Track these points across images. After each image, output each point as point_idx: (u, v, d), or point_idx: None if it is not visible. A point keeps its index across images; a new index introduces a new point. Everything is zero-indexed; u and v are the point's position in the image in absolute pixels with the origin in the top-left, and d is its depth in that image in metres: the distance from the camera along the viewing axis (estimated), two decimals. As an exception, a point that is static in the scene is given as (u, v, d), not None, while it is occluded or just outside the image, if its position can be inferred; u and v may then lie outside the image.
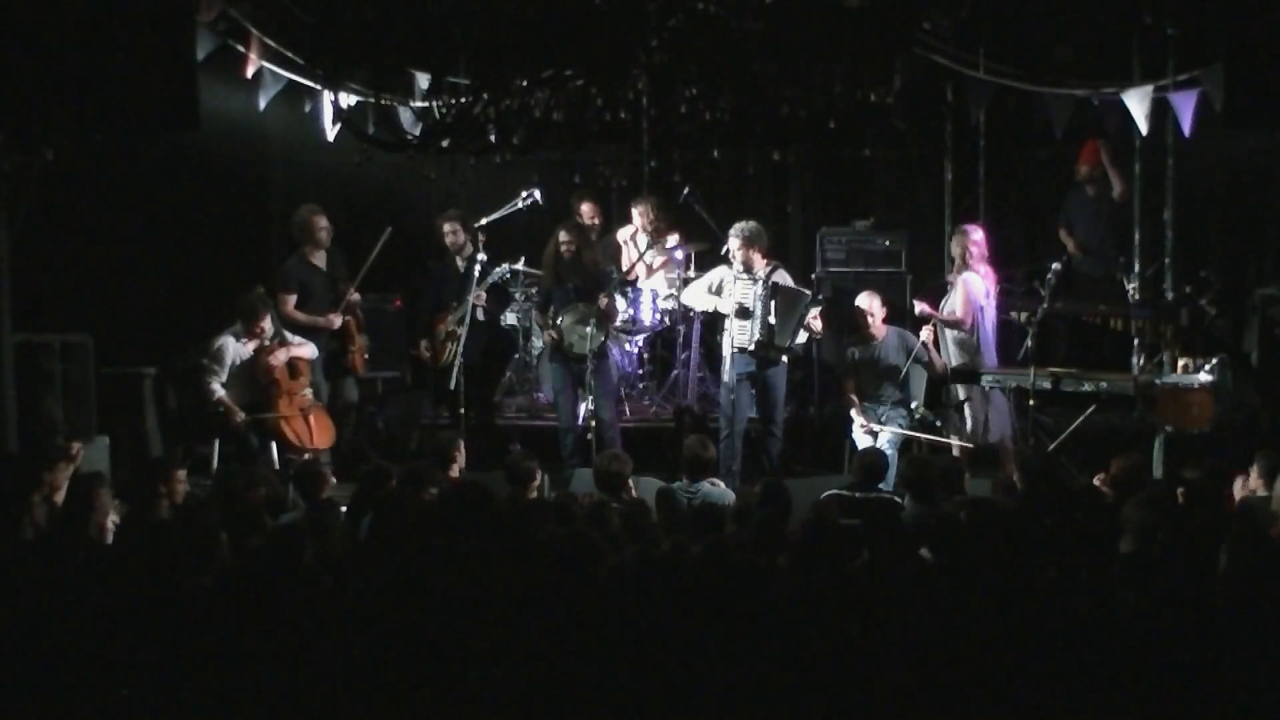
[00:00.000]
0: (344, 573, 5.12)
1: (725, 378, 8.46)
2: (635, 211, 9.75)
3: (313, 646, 4.39)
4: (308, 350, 8.58)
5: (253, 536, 5.76)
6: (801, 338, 8.56)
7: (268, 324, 8.40)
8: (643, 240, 9.78)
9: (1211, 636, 4.27)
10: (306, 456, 8.19)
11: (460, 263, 9.12)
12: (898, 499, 6.71)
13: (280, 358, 8.39)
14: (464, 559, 5.10)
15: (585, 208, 9.81)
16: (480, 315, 8.89)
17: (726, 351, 8.46)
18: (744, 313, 8.36)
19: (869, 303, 8.56)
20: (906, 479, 6.65)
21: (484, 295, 8.90)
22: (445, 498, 6.15)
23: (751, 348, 8.33)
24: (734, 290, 8.45)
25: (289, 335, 8.54)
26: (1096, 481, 6.53)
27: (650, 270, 9.71)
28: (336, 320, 8.85)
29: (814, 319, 8.52)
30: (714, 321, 8.94)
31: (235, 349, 8.39)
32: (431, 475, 6.73)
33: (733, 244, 8.47)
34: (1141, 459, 6.77)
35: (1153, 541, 5.00)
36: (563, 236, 8.74)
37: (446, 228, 9.14)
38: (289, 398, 8.40)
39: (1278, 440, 7.66)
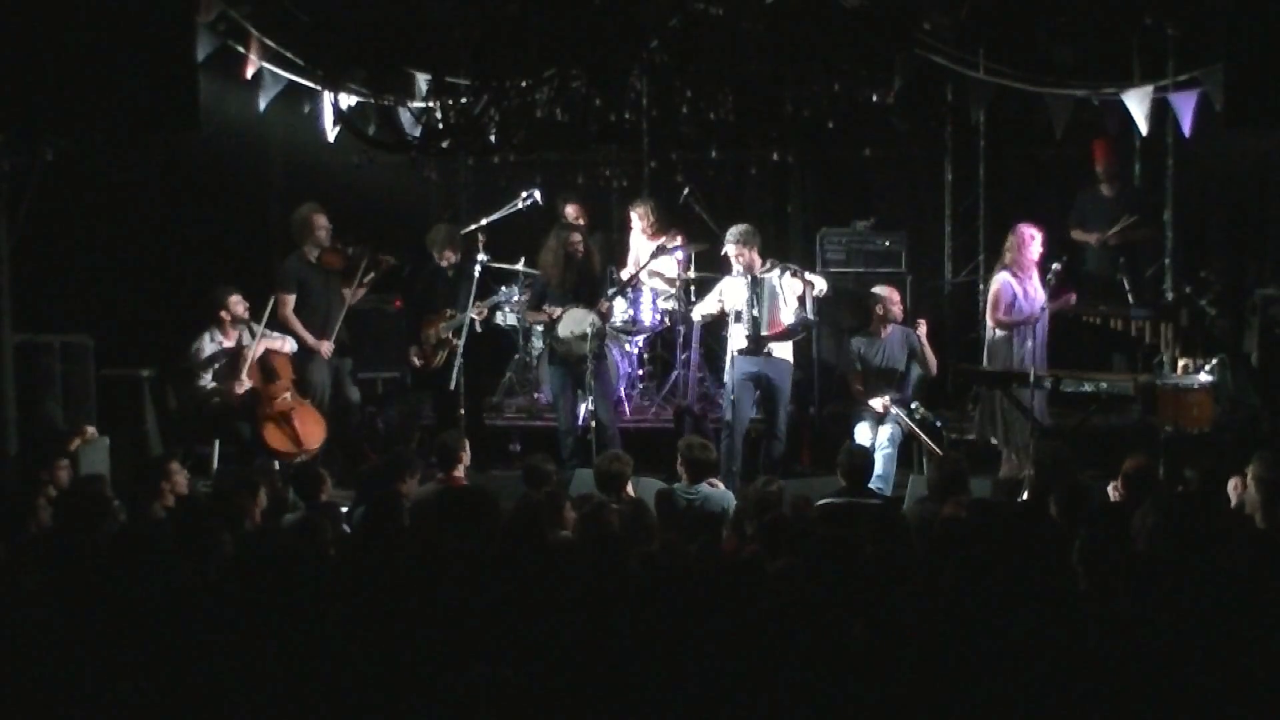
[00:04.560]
0: (340, 569, 5.12)
1: (726, 379, 8.48)
2: (635, 214, 9.74)
3: (311, 645, 4.39)
4: (285, 345, 8.54)
5: (250, 537, 5.76)
6: (790, 313, 8.48)
7: (230, 312, 8.37)
8: (642, 241, 9.77)
9: (1214, 637, 4.27)
10: (300, 459, 8.18)
11: (449, 269, 9.09)
12: (893, 502, 6.71)
13: (258, 352, 8.37)
14: (463, 558, 5.11)
15: (570, 209, 9.80)
16: (478, 328, 8.89)
17: (728, 354, 8.48)
18: (738, 315, 8.40)
19: (887, 293, 8.59)
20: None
21: (485, 310, 8.88)
22: (446, 498, 6.15)
23: (745, 345, 8.34)
24: (731, 296, 8.49)
25: (265, 331, 8.50)
26: (1110, 489, 6.49)
27: (651, 273, 9.68)
28: (327, 349, 8.78)
29: (779, 283, 8.40)
30: (714, 322, 8.94)
31: (212, 347, 8.39)
32: (412, 463, 6.72)
33: (730, 250, 8.47)
34: (1149, 460, 6.75)
35: (1160, 543, 4.99)
36: (574, 237, 8.73)
37: (448, 253, 9.05)
38: (268, 403, 8.36)
39: (1278, 441, 7.67)
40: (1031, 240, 8.62)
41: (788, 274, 8.42)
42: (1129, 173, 9.90)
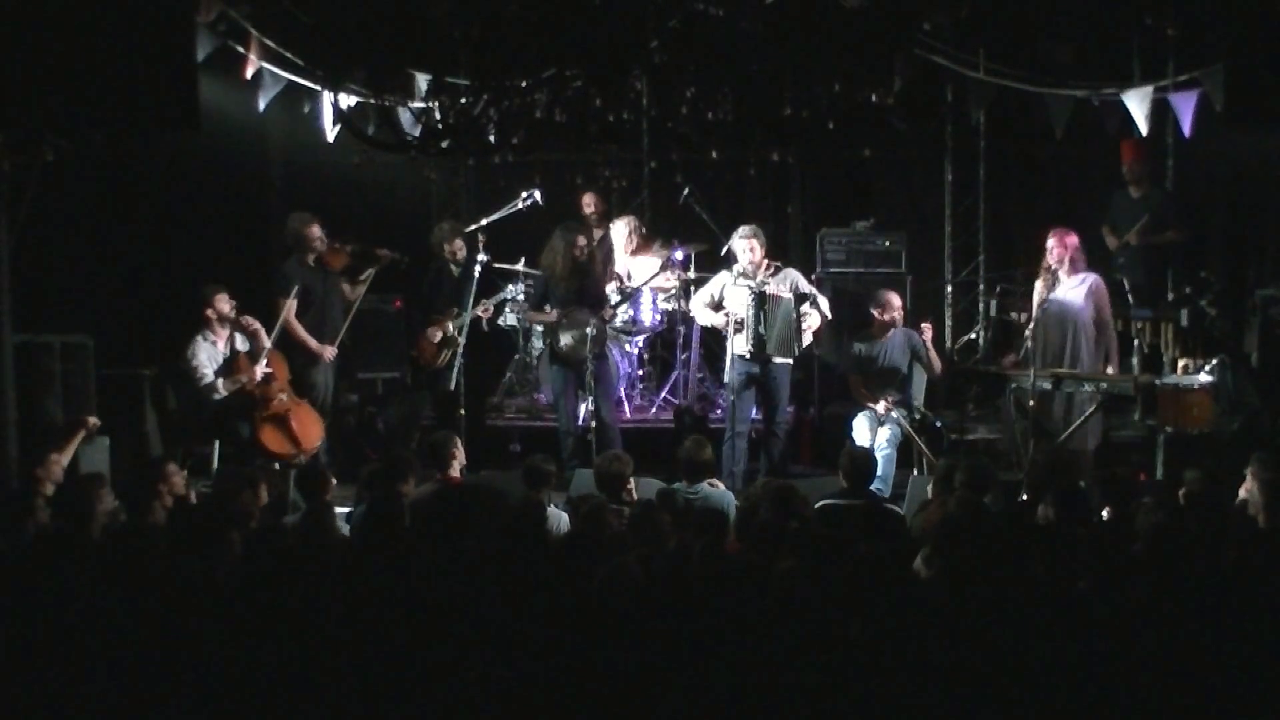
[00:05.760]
0: (339, 569, 5.13)
1: (727, 379, 8.45)
2: (618, 231, 9.69)
3: (312, 644, 4.39)
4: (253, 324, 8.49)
5: (254, 537, 5.75)
6: (807, 339, 8.51)
7: (216, 310, 8.35)
8: (624, 259, 9.75)
9: (1215, 637, 4.27)
10: (300, 460, 8.16)
11: (454, 268, 9.07)
12: (896, 509, 6.70)
13: (257, 331, 8.37)
14: (464, 556, 5.11)
15: (588, 198, 9.83)
16: (484, 327, 8.89)
17: (728, 355, 8.46)
18: (739, 324, 8.32)
19: (891, 299, 8.58)
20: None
21: (491, 308, 8.87)
22: (447, 495, 6.15)
23: (747, 355, 8.33)
24: (730, 300, 8.44)
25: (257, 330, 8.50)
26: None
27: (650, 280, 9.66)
28: (330, 354, 8.78)
29: (804, 318, 8.45)
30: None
31: (208, 350, 8.36)
32: (410, 467, 6.72)
33: (739, 245, 8.44)
34: (1131, 468, 6.74)
35: (1163, 544, 4.99)
36: (580, 240, 8.73)
37: (457, 244, 9.05)
38: (265, 404, 8.32)
39: (1278, 440, 7.68)
40: (1049, 242, 8.48)
41: (812, 310, 8.41)
42: (1159, 175, 9.88)
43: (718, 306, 8.53)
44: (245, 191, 10.32)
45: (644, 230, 9.78)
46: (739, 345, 8.35)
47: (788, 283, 8.47)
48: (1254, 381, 8.71)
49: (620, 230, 9.73)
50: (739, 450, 8.37)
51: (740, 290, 8.39)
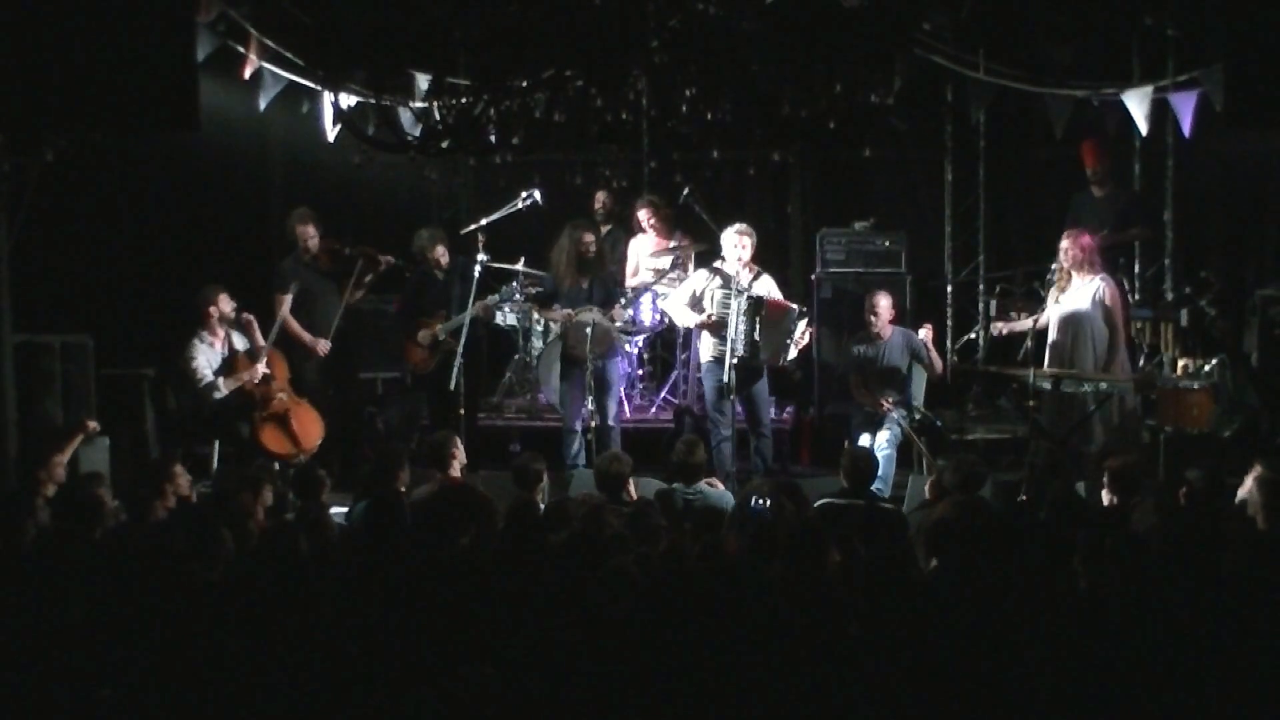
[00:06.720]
0: (338, 568, 5.13)
1: (709, 384, 8.40)
2: (641, 213, 9.73)
3: (311, 643, 4.40)
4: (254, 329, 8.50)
5: (249, 537, 5.76)
6: (792, 353, 8.50)
7: (218, 309, 8.34)
8: (646, 241, 9.77)
9: (1214, 637, 4.27)
10: (300, 459, 8.16)
11: (439, 274, 9.03)
12: (897, 509, 6.70)
13: (251, 325, 8.36)
14: (459, 557, 5.12)
15: (601, 195, 9.83)
16: (480, 329, 8.88)
17: (705, 358, 8.40)
18: (719, 327, 8.24)
19: (878, 300, 8.55)
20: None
21: (488, 309, 8.87)
22: (441, 497, 6.16)
23: (734, 361, 8.16)
24: (713, 302, 8.36)
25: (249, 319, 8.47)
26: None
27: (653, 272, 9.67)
28: (323, 348, 8.77)
29: (802, 335, 8.43)
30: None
31: (205, 351, 8.35)
32: (402, 460, 6.72)
33: (731, 240, 8.40)
34: (1135, 458, 6.72)
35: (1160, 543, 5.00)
36: (587, 238, 8.72)
37: (438, 250, 9.00)
38: (264, 404, 8.31)
39: (1278, 440, 7.67)
40: (1063, 243, 8.40)
41: (802, 322, 8.36)
42: (1124, 174, 9.88)
43: (698, 306, 8.47)
44: (245, 191, 10.32)
45: (663, 214, 9.76)
46: (720, 348, 8.25)
47: (765, 290, 8.43)
48: (1254, 381, 8.71)
49: (642, 218, 9.72)
50: (730, 452, 8.28)
51: (726, 293, 8.28)
